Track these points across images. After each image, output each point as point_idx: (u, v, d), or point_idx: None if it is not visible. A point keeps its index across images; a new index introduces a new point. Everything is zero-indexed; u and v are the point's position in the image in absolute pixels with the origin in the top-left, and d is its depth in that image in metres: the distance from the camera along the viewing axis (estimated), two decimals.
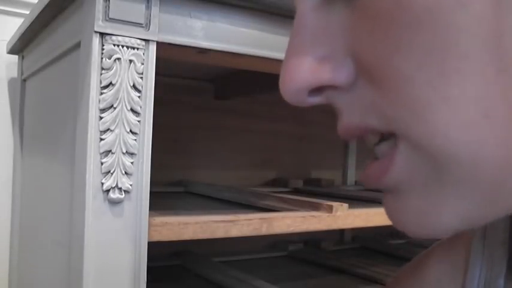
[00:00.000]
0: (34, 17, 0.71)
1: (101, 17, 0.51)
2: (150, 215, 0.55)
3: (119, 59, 0.52)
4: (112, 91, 0.52)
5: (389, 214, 0.23)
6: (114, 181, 0.52)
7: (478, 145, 0.18)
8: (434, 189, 0.20)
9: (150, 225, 0.55)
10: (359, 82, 0.21)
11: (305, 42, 0.22)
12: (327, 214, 0.73)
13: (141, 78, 0.53)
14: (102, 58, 0.51)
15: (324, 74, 0.21)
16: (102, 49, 0.51)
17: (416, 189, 0.21)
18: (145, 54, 0.53)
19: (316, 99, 0.23)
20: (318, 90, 0.22)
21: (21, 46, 0.91)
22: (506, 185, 0.19)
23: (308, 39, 0.22)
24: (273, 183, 1.35)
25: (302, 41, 0.22)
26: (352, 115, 0.22)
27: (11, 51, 0.96)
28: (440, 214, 0.20)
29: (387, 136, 0.21)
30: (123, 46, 0.52)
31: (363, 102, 0.21)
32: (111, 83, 0.51)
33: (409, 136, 0.20)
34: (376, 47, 0.19)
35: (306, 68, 0.22)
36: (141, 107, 0.53)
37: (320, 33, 0.22)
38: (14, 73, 1.02)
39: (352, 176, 1.51)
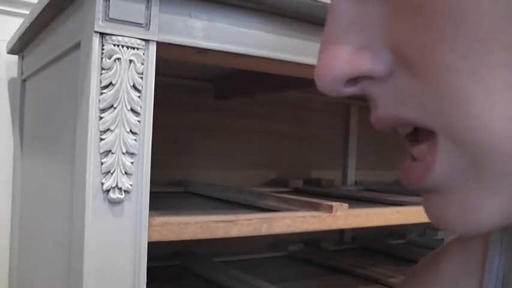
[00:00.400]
0: (34, 17, 0.71)
1: (101, 17, 0.51)
2: (150, 215, 0.55)
3: (119, 59, 0.52)
4: (112, 91, 0.52)
5: (431, 213, 0.23)
6: (114, 181, 0.52)
7: None
8: (475, 185, 0.20)
9: (150, 225, 0.55)
10: (397, 73, 0.21)
11: (342, 31, 0.22)
12: (327, 214, 0.73)
13: (141, 78, 0.53)
14: (102, 58, 0.51)
15: (362, 64, 0.21)
16: (102, 49, 0.51)
17: (458, 185, 0.20)
18: (145, 54, 0.53)
19: (351, 89, 0.22)
20: (354, 80, 0.22)
21: (21, 46, 0.91)
22: None
23: (345, 28, 0.22)
24: (273, 183, 1.35)
25: (339, 30, 0.22)
26: (388, 106, 0.22)
27: (11, 51, 0.96)
28: (482, 209, 0.20)
29: (422, 136, 0.21)
30: (123, 46, 0.52)
31: (400, 94, 0.21)
32: (111, 83, 0.51)
33: (449, 129, 0.19)
34: (418, 38, 0.19)
35: (343, 57, 0.21)
36: (141, 107, 0.53)
37: (357, 22, 0.21)
38: (14, 73, 1.02)
39: (352, 176, 1.51)
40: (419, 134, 0.22)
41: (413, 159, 0.22)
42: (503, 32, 0.18)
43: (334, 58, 0.22)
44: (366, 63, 0.21)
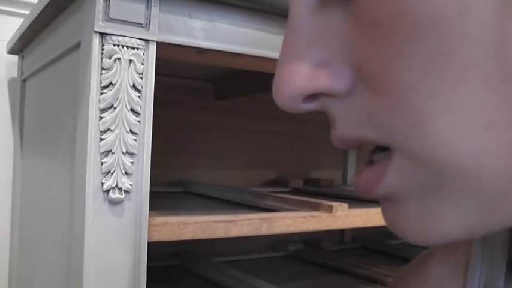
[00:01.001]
0: (34, 17, 0.71)
1: (101, 17, 0.51)
2: (150, 215, 0.55)
3: (119, 59, 0.52)
4: (112, 91, 0.52)
5: (388, 221, 0.22)
6: (114, 181, 0.52)
7: (481, 155, 0.18)
8: (432, 198, 0.20)
9: (150, 225, 0.55)
10: (357, 90, 0.20)
11: (301, 46, 0.21)
12: (327, 214, 0.73)
13: (141, 78, 0.53)
14: (102, 58, 0.51)
15: (321, 81, 0.21)
16: (102, 49, 0.51)
17: (413, 196, 0.20)
18: (145, 54, 0.53)
19: (310, 106, 0.22)
20: (312, 96, 0.21)
21: (21, 46, 0.91)
22: (509, 195, 0.19)
23: (304, 43, 0.21)
24: (273, 183, 1.35)
25: (297, 45, 0.21)
26: (347, 124, 0.21)
27: (11, 51, 0.96)
28: (440, 222, 0.20)
29: (383, 147, 0.21)
30: (123, 46, 0.52)
31: (359, 112, 0.20)
32: (111, 83, 0.51)
33: (407, 148, 0.19)
34: (376, 55, 0.19)
35: (302, 73, 0.21)
36: (141, 107, 0.53)
37: (317, 37, 0.21)
38: (14, 73, 1.02)
39: (352, 176, 1.51)
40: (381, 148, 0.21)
41: (368, 166, 0.22)
42: (463, 51, 0.17)
43: (292, 74, 0.21)
44: (324, 80, 0.20)
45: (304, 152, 1.42)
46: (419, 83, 0.18)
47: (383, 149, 0.21)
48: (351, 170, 1.51)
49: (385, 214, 0.23)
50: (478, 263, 0.31)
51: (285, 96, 0.22)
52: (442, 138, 0.18)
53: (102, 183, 0.52)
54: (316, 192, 1.19)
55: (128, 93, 0.52)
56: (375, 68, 0.19)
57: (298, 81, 0.21)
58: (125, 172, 0.53)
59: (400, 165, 0.20)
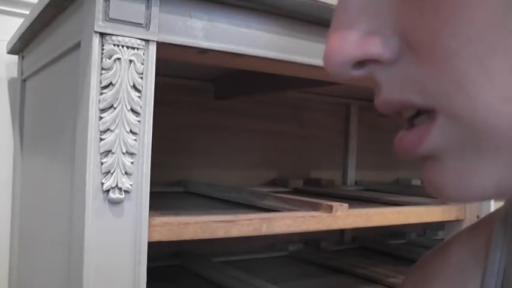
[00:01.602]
0: (34, 17, 0.71)
1: (101, 17, 0.51)
2: (150, 215, 0.55)
3: (119, 59, 0.52)
4: (112, 91, 0.52)
5: (429, 181, 0.24)
6: (114, 181, 0.52)
7: None
8: (470, 156, 0.21)
9: (150, 225, 0.55)
10: (403, 57, 0.22)
11: (351, 17, 0.23)
12: (327, 214, 0.73)
13: (141, 78, 0.53)
14: (102, 58, 0.51)
15: (371, 48, 0.22)
16: (102, 49, 0.51)
17: (454, 154, 0.22)
18: (145, 54, 0.53)
19: (358, 72, 0.23)
20: (360, 63, 0.23)
21: (21, 46, 0.91)
22: None
23: (354, 14, 0.23)
24: (273, 183, 1.35)
25: (348, 16, 0.23)
26: (392, 90, 0.23)
27: (11, 51, 0.96)
28: (476, 178, 0.21)
29: (424, 111, 0.22)
30: (123, 46, 0.52)
31: (404, 78, 0.22)
32: (111, 83, 0.51)
33: (451, 109, 0.21)
34: (424, 25, 0.20)
35: (352, 41, 0.22)
36: (141, 107, 0.53)
37: (366, 9, 0.23)
38: (14, 73, 1.02)
39: (352, 176, 1.51)
40: (421, 109, 0.23)
41: (409, 129, 0.24)
42: (504, 20, 0.19)
43: (343, 41, 0.23)
44: (374, 47, 0.22)
45: (304, 152, 1.42)
46: (462, 48, 0.19)
47: (423, 114, 0.22)
48: (351, 170, 1.51)
49: (425, 175, 0.24)
50: (499, 245, 0.32)
51: (336, 62, 0.23)
52: (482, 100, 0.20)
53: (102, 183, 0.52)
54: (316, 192, 1.19)
55: (128, 93, 0.52)
56: (421, 36, 0.21)
57: (349, 48, 0.22)
58: (125, 172, 0.53)
59: (443, 125, 0.21)
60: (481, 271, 0.33)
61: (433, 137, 0.22)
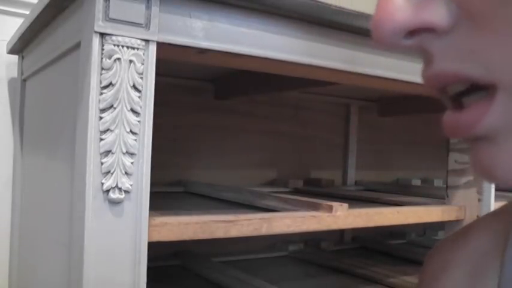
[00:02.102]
0: (34, 17, 0.71)
1: (101, 17, 0.51)
2: (150, 215, 0.55)
3: (119, 59, 0.52)
4: (112, 91, 0.52)
5: (478, 160, 0.22)
6: (114, 181, 0.52)
7: None
8: None
9: (150, 225, 0.55)
10: (460, 27, 0.20)
11: None
12: (327, 214, 0.73)
13: (141, 78, 0.53)
14: (102, 58, 0.51)
15: (425, 16, 0.20)
16: (102, 49, 0.51)
17: (509, 135, 0.20)
18: (145, 54, 0.53)
19: (409, 42, 0.21)
20: (413, 32, 0.21)
21: (21, 46, 0.91)
22: None
23: None
24: (273, 183, 1.35)
25: None
26: (447, 61, 0.21)
27: (11, 51, 0.96)
28: None
29: (476, 87, 0.21)
30: (123, 46, 0.52)
31: (461, 48, 0.20)
32: (111, 83, 0.51)
33: None
34: None
35: (405, 8, 0.20)
36: (141, 107, 0.53)
37: None
38: (14, 73, 1.02)
39: (352, 176, 1.51)
40: (473, 84, 0.21)
41: (458, 110, 0.22)
42: None
43: (396, 7, 0.20)
44: (428, 14, 0.20)
45: (304, 152, 1.42)
46: None
47: (477, 91, 0.21)
48: (351, 170, 1.51)
49: (476, 156, 0.22)
50: None
51: (387, 31, 0.21)
52: None
53: (102, 183, 0.52)
54: (316, 192, 1.19)
55: (128, 93, 0.52)
56: (483, 6, 0.19)
57: (401, 15, 0.20)
58: (125, 172, 0.53)
59: (504, 103, 0.20)
60: (500, 255, 0.32)
61: (492, 115, 0.20)
